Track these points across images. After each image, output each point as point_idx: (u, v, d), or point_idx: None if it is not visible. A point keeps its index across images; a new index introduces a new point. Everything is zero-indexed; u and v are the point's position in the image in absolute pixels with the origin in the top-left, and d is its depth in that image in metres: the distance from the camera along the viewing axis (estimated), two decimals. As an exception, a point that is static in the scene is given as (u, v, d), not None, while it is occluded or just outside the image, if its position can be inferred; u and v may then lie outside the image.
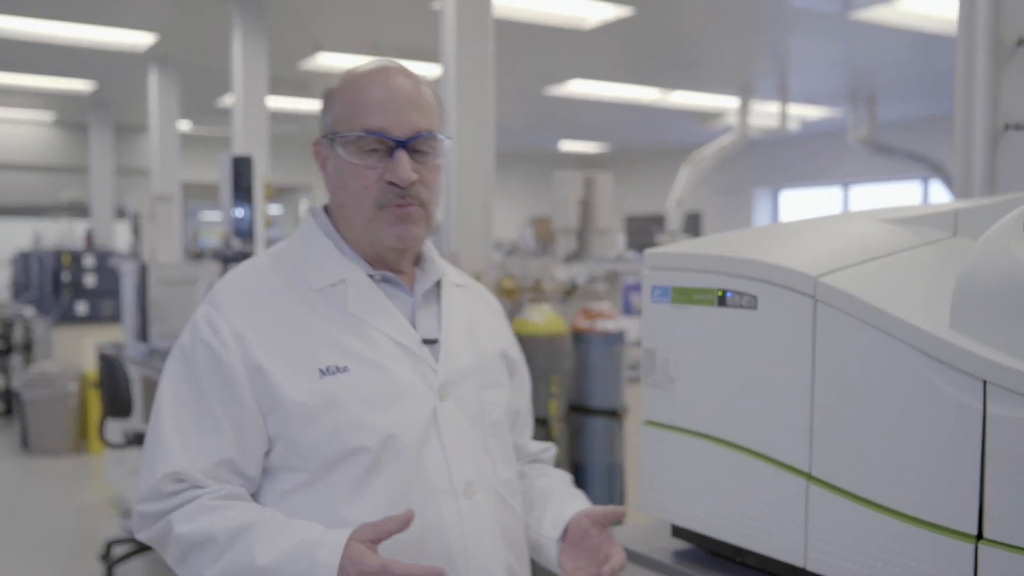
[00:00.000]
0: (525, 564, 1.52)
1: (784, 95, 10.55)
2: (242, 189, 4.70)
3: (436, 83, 4.49)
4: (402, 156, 1.37)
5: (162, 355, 5.36)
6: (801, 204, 14.86)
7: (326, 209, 1.52)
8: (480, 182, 4.31)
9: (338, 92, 1.43)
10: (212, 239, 13.28)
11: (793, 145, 13.68)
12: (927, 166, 10.76)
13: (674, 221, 9.15)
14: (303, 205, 16.08)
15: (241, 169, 4.68)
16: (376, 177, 1.37)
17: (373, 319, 1.39)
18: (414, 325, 1.43)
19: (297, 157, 11.78)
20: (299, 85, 10.19)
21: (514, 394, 1.59)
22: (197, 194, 13.51)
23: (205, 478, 1.31)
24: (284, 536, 1.24)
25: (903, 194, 12.99)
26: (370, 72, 1.42)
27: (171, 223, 7.23)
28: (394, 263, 1.44)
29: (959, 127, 2.35)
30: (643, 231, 12.91)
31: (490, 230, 4.31)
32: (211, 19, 7.45)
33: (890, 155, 10.93)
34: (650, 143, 15.13)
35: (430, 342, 1.42)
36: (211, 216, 16.03)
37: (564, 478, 1.65)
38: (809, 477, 1.48)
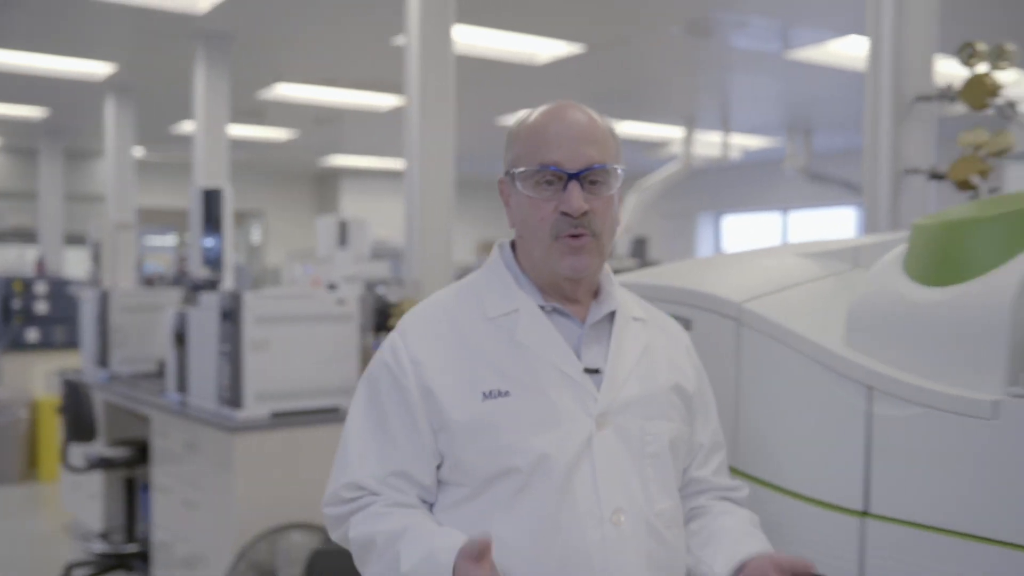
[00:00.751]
0: None
1: (726, 126, 11.05)
2: (212, 220, 4.90)
3: (401, 113, 4.77)
4: (574, 187, 1.42)
5: (124, 380, 5.47)
6: (743, 229, 15.42)
7: (512, 244, 1.58)
8: (442, 209, 4.57)
9: (518, 132, 1.49)
10: (157, 265, 13.27)
11: (735, 173, 14.21)
12: (860, 194, 11.28)
13: (621, 246, 9.50)
14: (255, 230, 16.18)
15: (211, 201, 4.89)
16: (552, 209, 1.43)
17: (538, 347, 1.44)
18: (579, 354, 1.46)
19: (249, 183, 11.85)
20: (255, 113, 10.41)
21: (696, 427, 1.59)
22: (144, 219, 13.56)
23: (380, 486, 1.43)
24: (424, 543, 1.34)
25: (838, 219, 13.56)
26: (548, 110, 1.48)
27: (131, 250, 7.37)
28: (571, 293, 1.49)
29: (866, 171, 2.70)
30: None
31: (450, 255, 4.58)
32: (173, 50, 7.65)
33: (825, 183, 11.47)
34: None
35: (594, 371, 1.45)
36: (156, 241, 15.93)
37: (749, 518, 1.58)
38: (732, 470, 1.78)
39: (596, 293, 1.54)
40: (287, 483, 3.68)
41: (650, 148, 12.56)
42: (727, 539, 1.50)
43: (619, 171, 1.48)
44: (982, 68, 2.53)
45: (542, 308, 1.49)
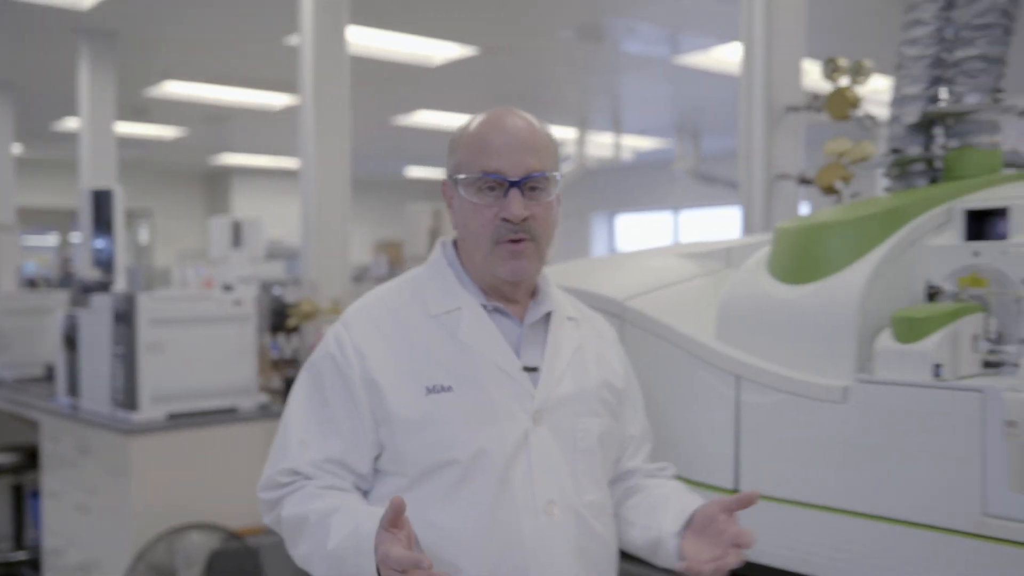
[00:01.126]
0: None
1: (618, 128, 11.34)
2: (102, 221, 4.82)
3: (294, 112, 4.79)
4: (515, 194, 1.46)
5: (8, 385, 5.32)
6: (636, 228, 15.82)
7: (455, 242, 1.61)
8: (338, 209, 4.60)
9: (461, 138, 1.53)
10: (38, 266, 12.80)
11: (627, 173, 14.57)
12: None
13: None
14: (142, 230, 15.75)
15: (101, 201, 4.81)
16: (492, 215, 1.47)
17: (480, 346, 1.49)
18: (518, 353, 1.52)
19: (136, 182, 11.57)
20: (142, 111, 10.17)
21: (626, 420, 1.64)
22: (24, 219, 13.04)
23: (317, 471, 1.47)
24: (351, 519, 1.38)
25: (726, 219, 14.06)
26: (489, 118, 1.52)
27: (15, 252, 7.14)
28: (510, 294, 1.54)
29: (742, 176, 2.89)
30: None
31: (347, 256, 4.61)
32: (55, 45, 7.44)
33: (713, 184, 11.89)
34: (493, 170, 15.69)
35: (531, 370, 1.50)
36: (36, 241, 15.30)
37: (684, 487, 1.64)
38: (619, 455, 1.92)
39: (534, 293, 1.59)
40: (185, 485, 3.67)
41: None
42: (670, 502, 1.55)
43: (558, 177, 1.53)
44: (844, 82, 2.75)
45: (484, 307, 1.53)
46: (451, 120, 10.93)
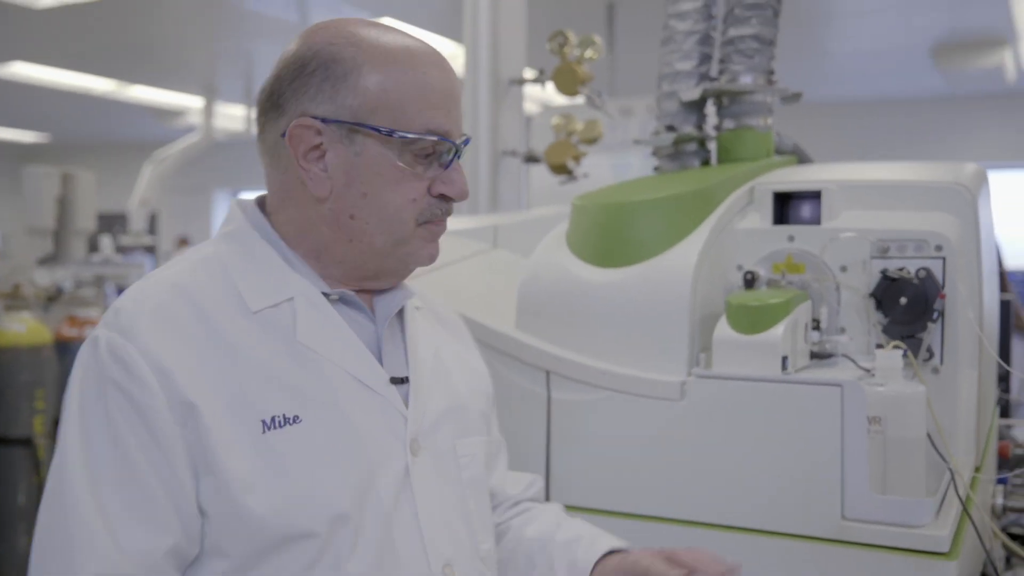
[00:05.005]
0: None
1: (250, 99, 10.64)
2: None
3: None
4: (459, 166, 1.13)
5: None
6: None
7: (260, 204, 1.18)
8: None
9: (360, 64, 1.08)
10: None
11: (256, 148, 13.83)
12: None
13: (138, 221, 8.71)
14: None
15: None
16: (423, 189, 1.11)
17: (329, 351, 1.08)
18: (380, 359, 1.14)
19: None
20: None
21: (492, 424, 1.34)
22: None
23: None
24: None
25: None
26: (419, 46, 1.12)
27: None
28: (389, 283, 1.17)
29: (468, 153, 2.67)
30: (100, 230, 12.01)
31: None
32: None
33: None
34: (100, 136, 14.13)
35: (399, 381, 1.14)
36: None
37: (556, 513, 1.35)
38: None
39: None
40: None
41: (164, 116, 11.70)
42: (556, 550, 1.24)
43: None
44: (573, 57, 2.64)
45: (326, 296, 1.12)
46: (53, 76, 9.59)
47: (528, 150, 2.73)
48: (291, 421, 1.03)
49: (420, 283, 1.65)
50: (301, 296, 1.10)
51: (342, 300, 1.14)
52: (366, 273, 1.15)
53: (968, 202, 1.53)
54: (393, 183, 1.10)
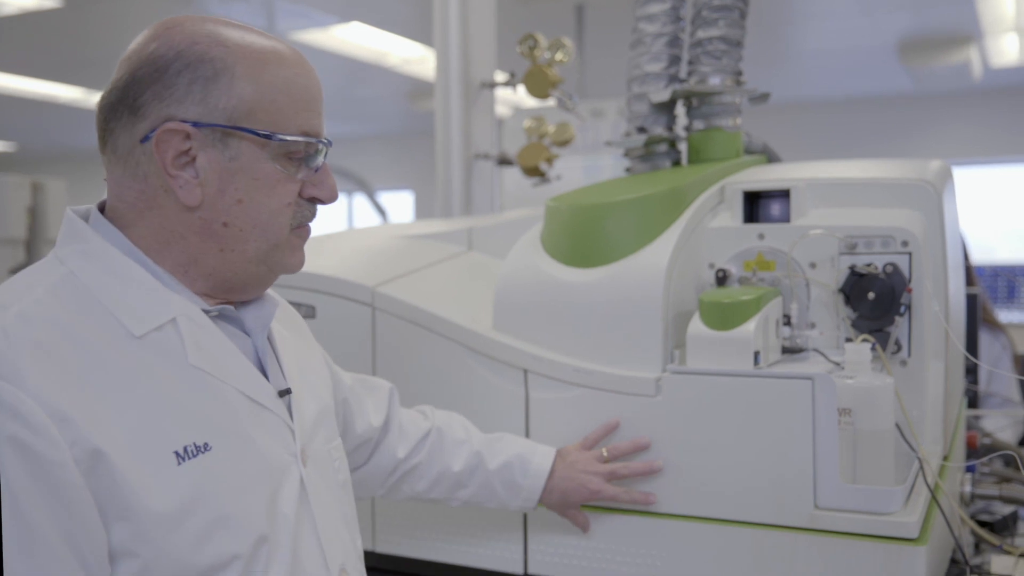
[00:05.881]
0: None
1: (218, 106, 10.57)
2: None
3: None
4: (328, 168, 1.12)
5: None
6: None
7: (102, 211, 1.10)
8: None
9: (247, 65, 1.05)
10: None
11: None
12: (353, 181, 11.64)
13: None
14: None
15: None
16: (294, 192, 1.08)
17: (222, 372, 1.05)
18: (265, 374, 1.13)
19: None
20: None
21: (336, 386, 1.36)
22: None
23: None
24: None
25: (330, 206, 13.77)
26: (285, 49, 1.09)
27: None
28: (252, 293, 1.14)
29: (440, 157, 2.69)
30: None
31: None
32: None
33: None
34: (68, 144, 14.00)
35: (283, 394, 1.13)
36: None
37: (465, 431, 1.50)
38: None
39: None
40: None
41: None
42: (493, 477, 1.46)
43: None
44: (544, 59, 2.66)
45: (207, 313, 1.08)
46: (19, 84, 9.50)
47: (500, 153, 2.74)
48: (203, 449, 1.00)
49: (395, 287, 1.67)
50: (183, 316, 1.05)
51: (221, 316, 1.10)
52: (233, 285, 1.10)
53: (933, 198, 1.56)
54: (268, 187, 1.06)
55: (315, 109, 1.10)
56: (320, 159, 1.11)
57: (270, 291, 1.19)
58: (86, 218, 1.08)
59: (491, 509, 1.51)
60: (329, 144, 1.12)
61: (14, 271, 4.87)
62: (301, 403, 1.16)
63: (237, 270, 1.09)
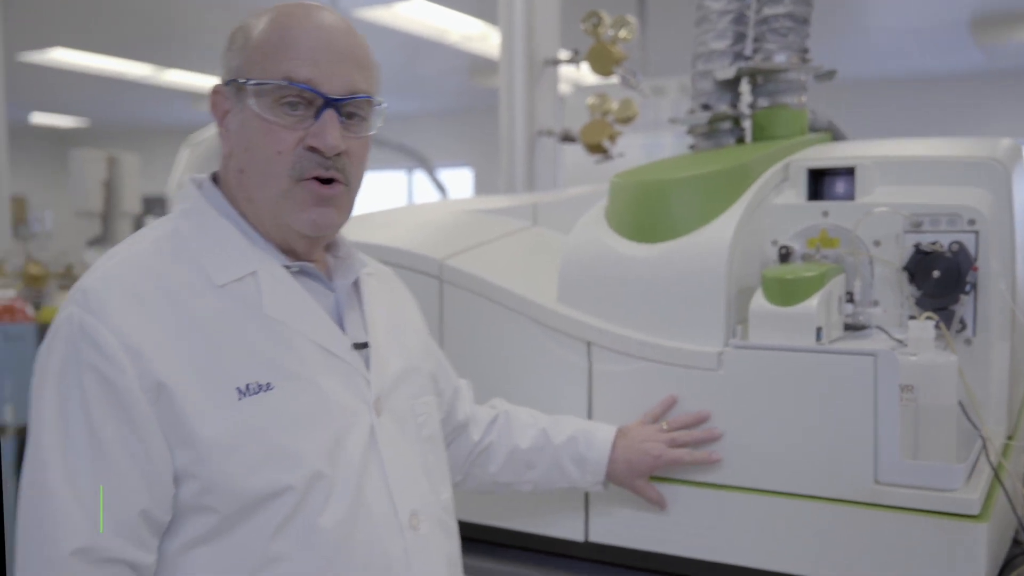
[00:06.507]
0: None
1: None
2: None
3: None
4: (331, 117, 1.13)
5: None
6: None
7: (215, 179, 1.22)
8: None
9: (251, 28, 1.16)
10: None
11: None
12: (414, 158, 11.73)
13: (176, 204, 8.83)
14: None
15: None
16: (295, 141, 1.13)
17: (296, 322, 1.14)
18: (342, 326, 1.20)
19: None
20: None
21: (443, 374, 1.45)
22: None
23: (122, 545, 1.03)
24: None
25: (390, 182, 13.95)
26: (296, 9, 1.16)
27: None
28: (305, 253, 1.20)
29: (504, 133, 2.73)
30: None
31: (6, 212, 3.85)
32: None
33: (381, 147, 11.69)
34: (137, 120, 14.32)
35: (360, 346, 1.20)
36: None
37: (531, 416, 1.54)
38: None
39: (328, 247, 1.28)
40: None
41: (199, 100, 11.83)
42: (560, 455, 1.48)
43: (382, 108, 1.21)
44: (608, 37, 2.67)
45: (287, 269, 1.18)
46: (92, 61, 9.74)
47: (563, 130, 2.77)
48: (264, 388, 1.09)
49: (462, 260, 1.71)
50: (264, 270, 1.15)
51: (302, 272, 1.19)
52: (281, 245, 1.19)
53: (1002, 177, 1.55)
54: (263, 134, 1.13)
55: (310, 59, 1.13)
56: (311, 107, 1.14)
57: (361, 254, 1.30)
58: (200, 184, 1.21)
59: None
60: (330, 96, 1.13)
61: (92, 243, 5.04)
62: (382, 358, 1.23)
63: (263, 222, 1.18)
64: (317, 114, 1.14)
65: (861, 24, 7.95)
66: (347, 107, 1.16)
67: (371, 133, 1.20)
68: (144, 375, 1.04)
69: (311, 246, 1.20)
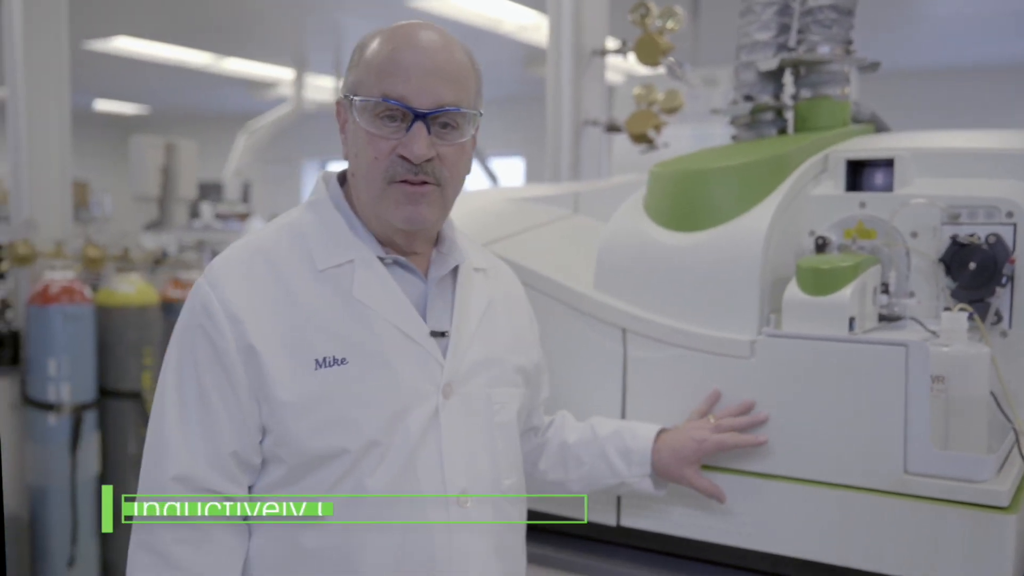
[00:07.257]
0: None
1: (339, 70, 10.84)
2: None
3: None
4: (419, 129, 1.25)
5: None
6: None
7: (342, 178, 1.38)
8: (56, 144, 3.93)
9: (363, 50, 1.30)
10: None
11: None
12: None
13: (233, 191, 9.02)
14: None
15: None
16: (389, 149, 1.26)
17: (379, 306, 1.28)
18: (424, 314, 1.32)
19: None
20: None
21: (541, 385, 1.54)
22: None
23: (213, 475, 1.23)
24: None
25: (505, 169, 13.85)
26: (399, 30, 1.29)
27: None
28: (405, 245, 1.33)
29: (550, 122, 2.76)
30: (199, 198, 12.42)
31: (69, 195, 3.97)
32: None
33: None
34: (197, 108, 14.59)
35: (439, 334, 1.31)
36: None
37: (571, 417, 1.61)
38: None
39: (437, 242, 1.39)
40: None
41: (254, 88, 12.01)
42: (607, 448, 1.52)
43: (479, 115, 1.32)
44: (655, 27, 2.68)
45: (381, 260, 1.32)
46: (153, 50, 9.95)
47: (610, 120, 2.79)
48: (339, 362, 1.24)
49: (502, 247, 1.75)
50: (360, 259, 1.30)
51: (396, 263, 1.33)
52: (385, 235, 1.33)
53: (1043, 170, 1.55)
54: (364, 143, 1.28)
55: (403, 77, 1.25)
56: (405, 120, 1.25)
57: (466, 250, 1.40)
58: (328, 181, 1.38)
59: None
60: (418, 111, 1.25)
61: (148, 227, 5.18)
62: (461, 346, 1.33)
63: (370, 218, 1.32)
64: (409, 126, 1.26)
65: (916, 14, 7.79)
66: (439, 118, 1.27)
67: (463, 140, 1.30)
68: (240, 338, 1.22)
69: (409, 240, 1.33)
